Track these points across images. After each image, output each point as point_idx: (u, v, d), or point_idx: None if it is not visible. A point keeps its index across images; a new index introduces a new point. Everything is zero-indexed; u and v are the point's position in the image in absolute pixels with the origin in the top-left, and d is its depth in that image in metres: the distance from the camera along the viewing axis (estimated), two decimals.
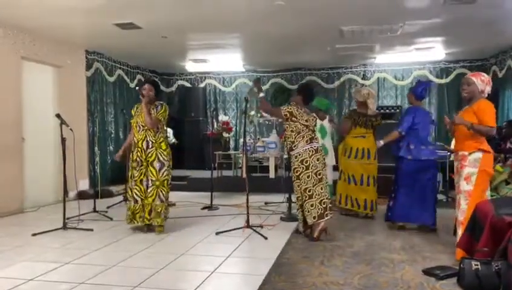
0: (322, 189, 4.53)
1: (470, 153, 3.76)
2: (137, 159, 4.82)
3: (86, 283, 3.31)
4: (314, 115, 4.84)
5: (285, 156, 4.85)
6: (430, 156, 4.90)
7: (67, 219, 5.17)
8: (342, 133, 6.00)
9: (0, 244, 4.48)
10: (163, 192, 4.82)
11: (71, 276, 3.49)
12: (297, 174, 4.55)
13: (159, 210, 4.80)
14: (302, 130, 4.57)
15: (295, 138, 4.58)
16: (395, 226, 5.04)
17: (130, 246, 4.39)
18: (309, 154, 4.52)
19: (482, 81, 3.80)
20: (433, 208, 4.92)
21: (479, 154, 3.72)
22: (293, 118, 4.57)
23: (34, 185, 6.74)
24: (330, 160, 6.48)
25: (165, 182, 4.84)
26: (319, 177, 4.53)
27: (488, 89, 3.81)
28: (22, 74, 6.52)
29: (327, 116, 6.38)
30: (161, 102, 4.99)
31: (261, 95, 4.91)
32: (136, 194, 4.83)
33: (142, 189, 4.82)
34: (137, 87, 5.32)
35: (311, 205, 4.49)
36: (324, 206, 4.50)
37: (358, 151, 5.64)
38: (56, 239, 4.67)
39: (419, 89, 5.05)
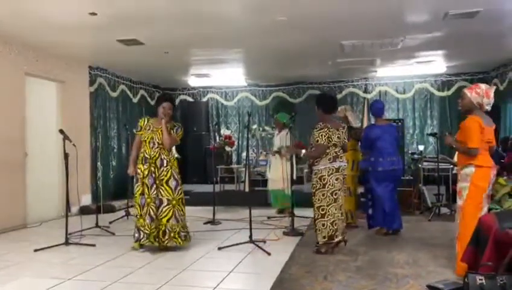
0: (336, 210, 4.43)
1: (462, 168, 3.75)
2: (152, 175, 4.65)
3: None
4: (344, 125, 4.77)
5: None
6: (387, 167, 5.27)
7: (70, 234, 5.15)
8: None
9: (3, 260, 4.47)
10: (180, 211, 4.70)
11: None
12: (314, 190, 4.49)
13: (176, 230, 4.65)
14: (328, 147, 4.47)
15: None
16: (382, 231, 5.42)
17: (132, 261, 4.37)
18: (328, 172, 4.42)
19: (477, 94, 3.74)
20: (398, 214, 5.38)
21: (471, 169, 3.67)
22: (329, 139, 4.46)
23: (37, 200, 6.74)
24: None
25: (181, 200, 4.72)
26: (335, 197, 4.43)
27: (486, 101, 3.73)
28: (25, 89, 6.57)
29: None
30: (179, 123, 4.96)
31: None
32: (152, 211, 4.61)
33: (155, 208, 4.63)
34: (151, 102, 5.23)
35: (323, 225, 4.43)
36: (336, 227, 4.43)
37: (354, 164, 5.80)
38: (58, 255, 4.66)
39: (375, 106, 5.61)
